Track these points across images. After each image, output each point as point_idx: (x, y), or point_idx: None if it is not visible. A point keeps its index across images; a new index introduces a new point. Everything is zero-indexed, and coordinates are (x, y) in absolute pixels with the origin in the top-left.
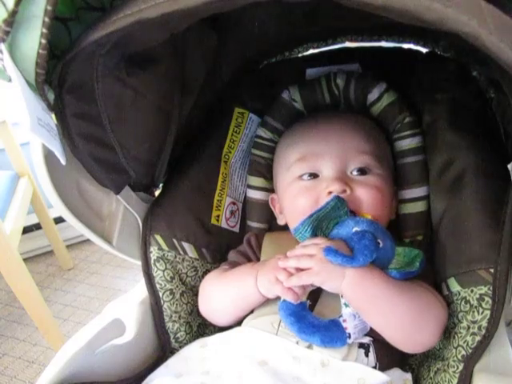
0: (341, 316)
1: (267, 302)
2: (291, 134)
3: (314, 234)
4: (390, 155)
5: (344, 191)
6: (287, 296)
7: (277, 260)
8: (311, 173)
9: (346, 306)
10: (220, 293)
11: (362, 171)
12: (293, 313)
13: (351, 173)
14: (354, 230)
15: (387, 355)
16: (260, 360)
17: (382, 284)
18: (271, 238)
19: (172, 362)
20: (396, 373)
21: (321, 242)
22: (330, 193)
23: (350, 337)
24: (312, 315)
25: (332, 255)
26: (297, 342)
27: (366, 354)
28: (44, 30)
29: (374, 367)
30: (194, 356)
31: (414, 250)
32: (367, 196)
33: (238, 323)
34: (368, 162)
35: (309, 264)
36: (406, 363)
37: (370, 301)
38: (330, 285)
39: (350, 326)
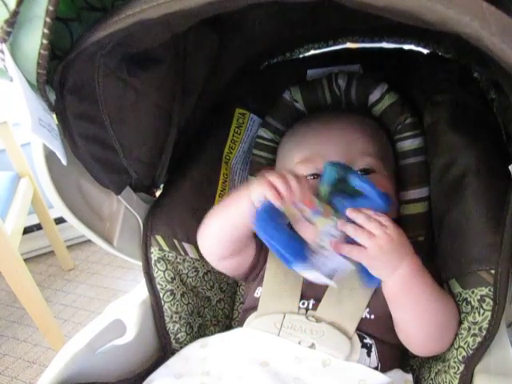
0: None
1: (269, 300)
2: (294, 134)
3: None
4: (392, 156)
5: None
6: (268, 191)
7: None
8: (314, 173)
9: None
10: (216, 216)
11: (367, 171)
12: (269, 209)
13: None
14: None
15: (389, 355)
16: (261, 361)
17: (427, 288)
18: None
19: (172, 363)
20: (397, 374)
21: (388, 224)
22: None
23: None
24: (287, 228)
25: None
26: (299, 342)
27: (369, 354)
28: (45, 31)
29: (376, 367)
30: (194, 356)
31: None
32: None
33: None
34: (372, 163)
35: (366, 243)
36: (407, 364)
37: (410, 300)
38: (375, 271)
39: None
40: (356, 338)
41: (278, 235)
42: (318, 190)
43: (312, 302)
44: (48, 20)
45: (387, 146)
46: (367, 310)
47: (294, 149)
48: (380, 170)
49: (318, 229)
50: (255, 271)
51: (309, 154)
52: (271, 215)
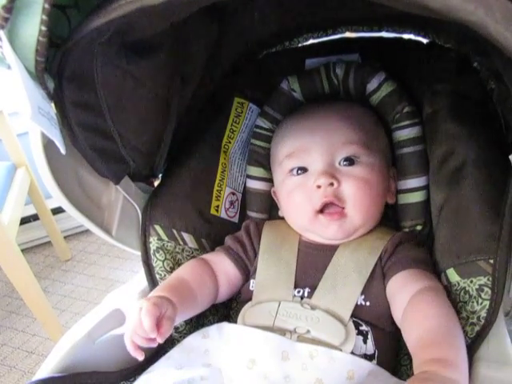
0: None
1: (264, 289)
2: (281, 128)
3: None
4: (384, 141)
5: (331, 184)
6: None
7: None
8: (300, 167)
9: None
10: None
11: (350, 161)
12: None
13: (339, 163)
14: None
15: (386, 342)
16: (248, 361)
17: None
18: (271, 225)
19: (174, 354)
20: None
21: None
22: (319, 187)
23: None
24: None
25: None
26: (294, 329)
27: (365, 341)
28: (44, 17)
29: (373, 354)
30: (196, 348)
31: None
32: (353, 189)
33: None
34: (355, 151)
35: None
36: (405, 352)
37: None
38: None
39: None
40: (351, 325)
41: None
42: None
43: (307, 290)
44: (47, 6)
45: (377, 132)
46: (362, 297)
47: (280, 143)
48: (365, 156)
49: None
50: (250, 273)
51: (293, 149)
52: None
